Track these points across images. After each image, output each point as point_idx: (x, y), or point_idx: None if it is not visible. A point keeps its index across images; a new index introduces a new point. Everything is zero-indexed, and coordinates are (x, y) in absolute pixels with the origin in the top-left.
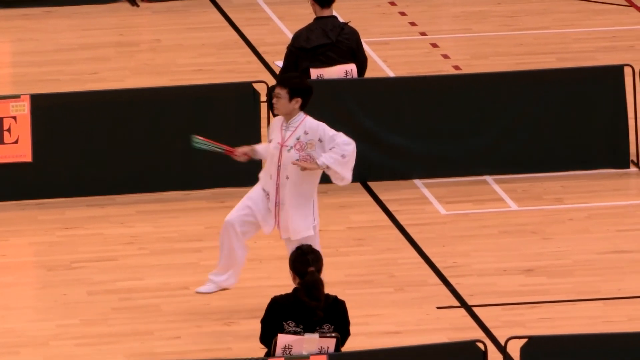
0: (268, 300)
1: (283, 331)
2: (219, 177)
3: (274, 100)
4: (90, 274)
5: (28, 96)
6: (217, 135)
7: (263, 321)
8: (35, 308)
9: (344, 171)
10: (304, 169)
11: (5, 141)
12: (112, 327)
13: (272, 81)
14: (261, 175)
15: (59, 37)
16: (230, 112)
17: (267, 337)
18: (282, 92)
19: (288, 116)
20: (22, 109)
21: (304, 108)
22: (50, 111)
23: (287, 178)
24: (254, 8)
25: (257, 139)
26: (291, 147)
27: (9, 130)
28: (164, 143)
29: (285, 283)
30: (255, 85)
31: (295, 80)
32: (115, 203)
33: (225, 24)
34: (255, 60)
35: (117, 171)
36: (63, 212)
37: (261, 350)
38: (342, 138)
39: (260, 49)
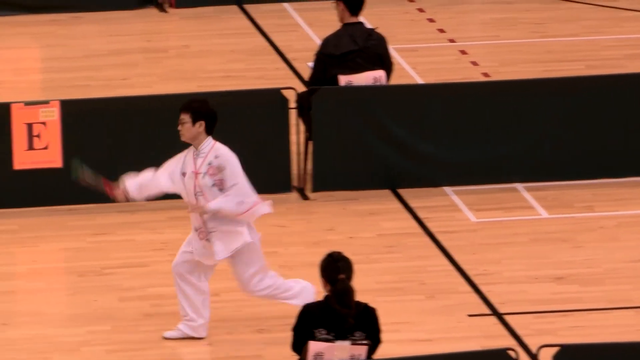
0: (298, 307)
1: (314, 339)
2: (249, 183)
3: (179, 127)
4: (121, 280)
5: (58, 102)
6: (245, 141)
7: (294, 329)
8: (66, 314)
9: (236, 210)
10: (202, 214)
11: (35, 147)
12: (143, 333)
13: (301, 87)
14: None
15: (88, 43)
16: (258, 118)
17: (299, 345)
18: (185, 117)
19: (196, 142)
20: (52, 115)
21: (210, 132)
22: (80, 117)
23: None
24: (282, 14)
25: (286, 145)
26: (205, 173)
27: (38, 136)
28: None
29: (315, 290)
30: (284, 92)
31: (195, 104)
32: (145, 209)
33: (254, 30)
34: (283, 67)
35: None
36: (93, 218)
37: (293, 358)
38: (242, 189)
39: (289, 56)
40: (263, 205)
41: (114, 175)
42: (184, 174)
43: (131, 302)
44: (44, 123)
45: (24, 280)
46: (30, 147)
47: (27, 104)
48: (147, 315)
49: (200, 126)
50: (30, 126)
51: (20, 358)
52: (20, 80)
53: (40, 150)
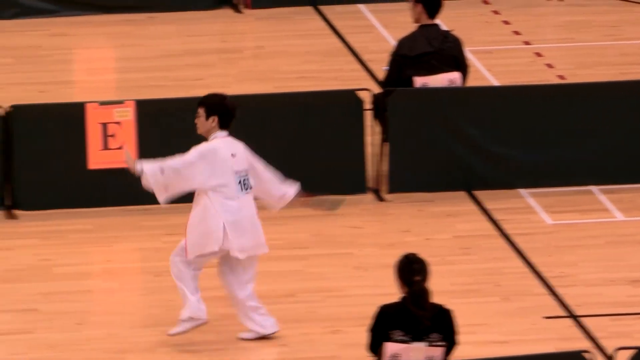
0: (374, 308)
1: (390, 340)
2: (324, 184)
3: (196, 120)
4: None
5: (133, 102)
6: (320, 142)
7: (371, 330)
8: (142, 314)
9: (154, 187)
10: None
11: (110, 147)
12: (219, 334)
13: (376, 89)
14: None
15: (163, 43)
16: (333, 119)
17: (375, 346)
18: (200, 111)
19: (208, 136)
20: (127, 115)
21: (225, 127)
22: (155, 117)
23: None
24: (357, 16)
25: (361, 146)
26: None
27: (113, 135)
28: (267, 150)
29: (390, 291)
30: (359, 93)
31: (211, 99)
32: None
33: (329, 31)
34: (359, 68)
35: None
36: (168, 218)
37: (369, 359)
38: (183, 157)
39: (364, 57)
40: (140, 163)
41: None
42: None
43: (206, 302)
44: (118, 123)
45: (99, 280)
46: (105, 146)
47: (102, 103)
48: (222, 315)
49: (214, 121)
50: (105, 126)
51: (95, 358)
52: (94, 80)
53: (115, 150)
